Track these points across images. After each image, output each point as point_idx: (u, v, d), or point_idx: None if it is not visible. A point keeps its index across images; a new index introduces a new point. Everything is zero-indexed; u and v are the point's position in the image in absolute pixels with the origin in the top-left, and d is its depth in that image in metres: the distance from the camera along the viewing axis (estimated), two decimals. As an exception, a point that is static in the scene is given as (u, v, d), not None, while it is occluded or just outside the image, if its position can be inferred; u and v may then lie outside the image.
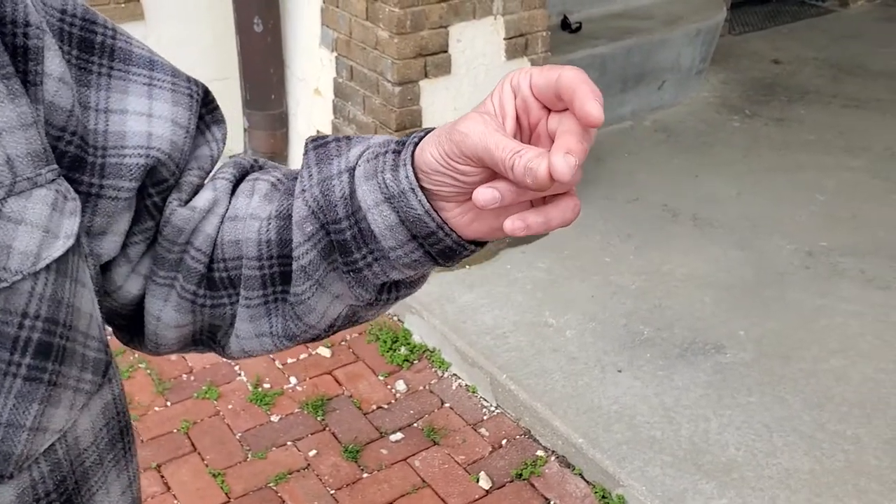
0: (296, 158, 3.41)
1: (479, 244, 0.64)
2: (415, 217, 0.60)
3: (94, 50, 0.62)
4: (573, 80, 0.53)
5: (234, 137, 3.51)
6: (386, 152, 0.61)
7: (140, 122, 0.64)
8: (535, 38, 3.01)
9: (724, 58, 5.00)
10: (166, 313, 0.71)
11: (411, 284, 0.70)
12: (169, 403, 2.68)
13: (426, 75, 2.81)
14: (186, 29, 3.38)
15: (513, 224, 0.57)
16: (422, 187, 0.60)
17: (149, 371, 2.79)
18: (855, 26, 5.68)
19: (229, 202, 0.70)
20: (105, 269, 0.68)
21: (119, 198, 0.63)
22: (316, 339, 0.74)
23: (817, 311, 2.92)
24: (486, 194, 0.57)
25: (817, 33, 5.54)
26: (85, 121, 0.61)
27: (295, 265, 0.66)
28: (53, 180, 0.55)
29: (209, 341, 0.76)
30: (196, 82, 0.70)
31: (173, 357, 2.83)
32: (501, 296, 3.04)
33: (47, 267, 0.53)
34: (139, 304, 0.72)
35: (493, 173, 0.57)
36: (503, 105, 0.58)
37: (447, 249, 0.62)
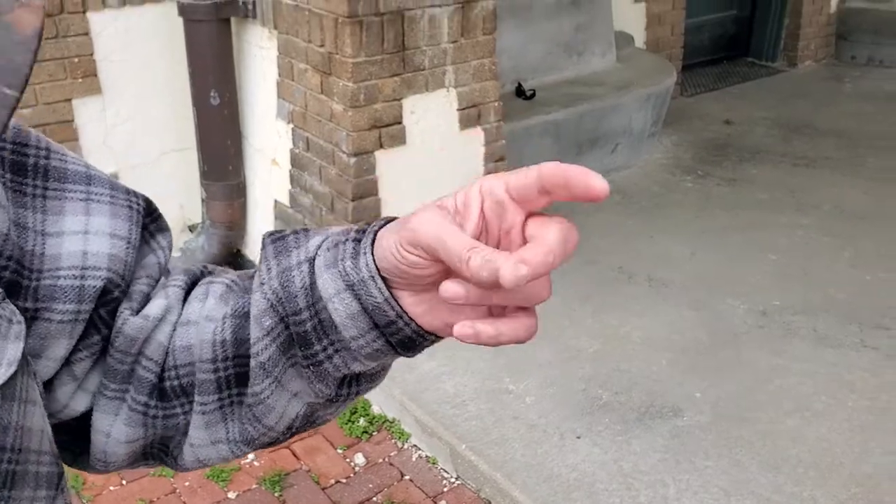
0: (253, 228, 3.42)
1: (440, 336, 0.62)
2: (374, 305, 0.59)
3: (28, 172, 0.63)
4: (558, 167, 0.53)
5: (193, 208, 3.52)
6: (346, 240, 0.61)
7: (76, 242, 0.64)
8: (488, 109, 3.07)
9: (677, 119, 5.13)
10: (117, 428, 0.69)
11: (372, 378, 0.68)
12: (125, 482, 2.63)
13: (381, 146, 2.85)
14: (144, 102, 3.40)
15: (461, 329, 0.56)
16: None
17: (103, 449, 2.74)
18: (803, 86, 5.87)
19: (182, 309, 0.70)
20: (48, 388, 0.67)
21: (52, 320, 0.62)
22: (273, 443, 0.72)
23: (772, 372, 2.96)
24: (452, 289, 0.55)
25: (767, 93, 5.71)
26: (22, 242, 0.61)
27: (253, 362, 0.65)
28: None
29: (160, 454, 0.74)
30: (136, 194, 0.70)
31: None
32: (462, 362, 3.04)
33: None
34: (83, 421, 0.70)
35: (443, 270, 0.56)
36: (468, 205, 0.56)
37: (407, 339, 0.61)
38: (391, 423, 2.86)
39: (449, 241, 0.53)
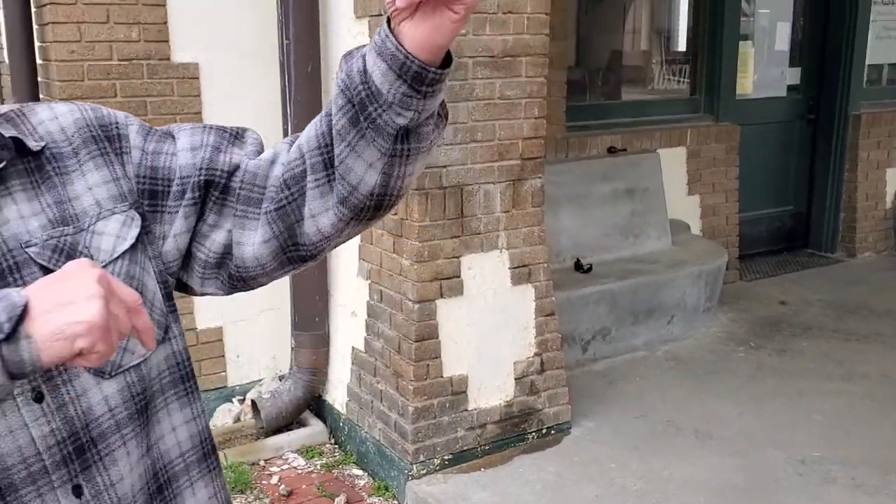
0: (333, 375, 3.88)
1: (444, 67, 0.86)
2: (391, 55, 0.84)
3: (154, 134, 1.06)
4: None
5: (283, 357, 4.03)
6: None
7: (185, 156, 1.02)
8: (538, 269, 3.54)
9: (734, 300, 5.46)
10: (259, 235, 1.00)
11: (419, 135, 0.91)
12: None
13: (441, 295, 3.33)
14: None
15: None
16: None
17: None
18: (861, 274, 6.13)
19: (289, 153, 1.00)
20: (202, 241, 1.02)
21: (172, 212, 1.01)
22: (361, 209, 0.96)
23: (804, 510, 3.12)
24: None
25: (824, 280, 6.00)
26: (155, 161, 1.02)
27: (333, 131, 0.92)
28: (125, 210, 0.99)
29: (294, 251, 1.02)
30: (208, 125, 1.07)
31: None
32: (513, 496, 3.32)
33: (121, 256, 0.96)
34: (224, 254, 1.02)
35: None
36: None
37: (417, 75, 0.85)
38: (443, 543, 3.12)
39: None
